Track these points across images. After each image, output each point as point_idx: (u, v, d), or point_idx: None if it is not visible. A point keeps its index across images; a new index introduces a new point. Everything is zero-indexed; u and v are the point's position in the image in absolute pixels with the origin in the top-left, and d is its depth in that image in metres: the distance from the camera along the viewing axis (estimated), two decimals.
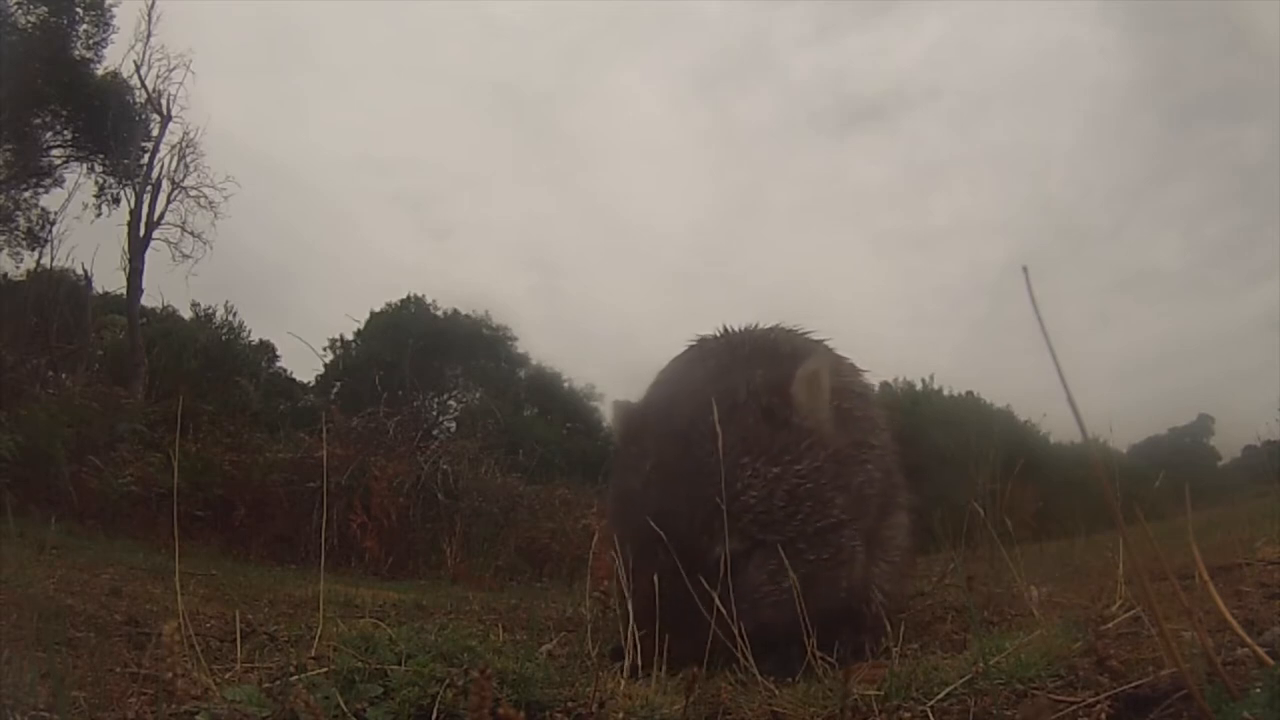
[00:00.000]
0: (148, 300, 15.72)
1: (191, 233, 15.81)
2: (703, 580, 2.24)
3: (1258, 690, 1.30)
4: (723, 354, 2.87)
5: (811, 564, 2.39)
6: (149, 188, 15.53)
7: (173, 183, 15.72)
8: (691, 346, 3.09)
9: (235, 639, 2.39)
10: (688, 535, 2.35)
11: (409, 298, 21.55)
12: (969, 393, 17.15)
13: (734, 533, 2.32)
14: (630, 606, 2.32)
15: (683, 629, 2.22)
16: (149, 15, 15.52)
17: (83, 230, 15.57)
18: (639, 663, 2.21)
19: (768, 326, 3.07)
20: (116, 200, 15.76)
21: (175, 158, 15.74)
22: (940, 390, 17.36)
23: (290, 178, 30.23)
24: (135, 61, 15.52)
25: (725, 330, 3.07)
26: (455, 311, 21.65)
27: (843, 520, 2.46)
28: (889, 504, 2.77)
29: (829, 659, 2.28)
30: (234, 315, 19.12)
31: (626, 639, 2.26)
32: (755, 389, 2.55)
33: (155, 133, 15.81)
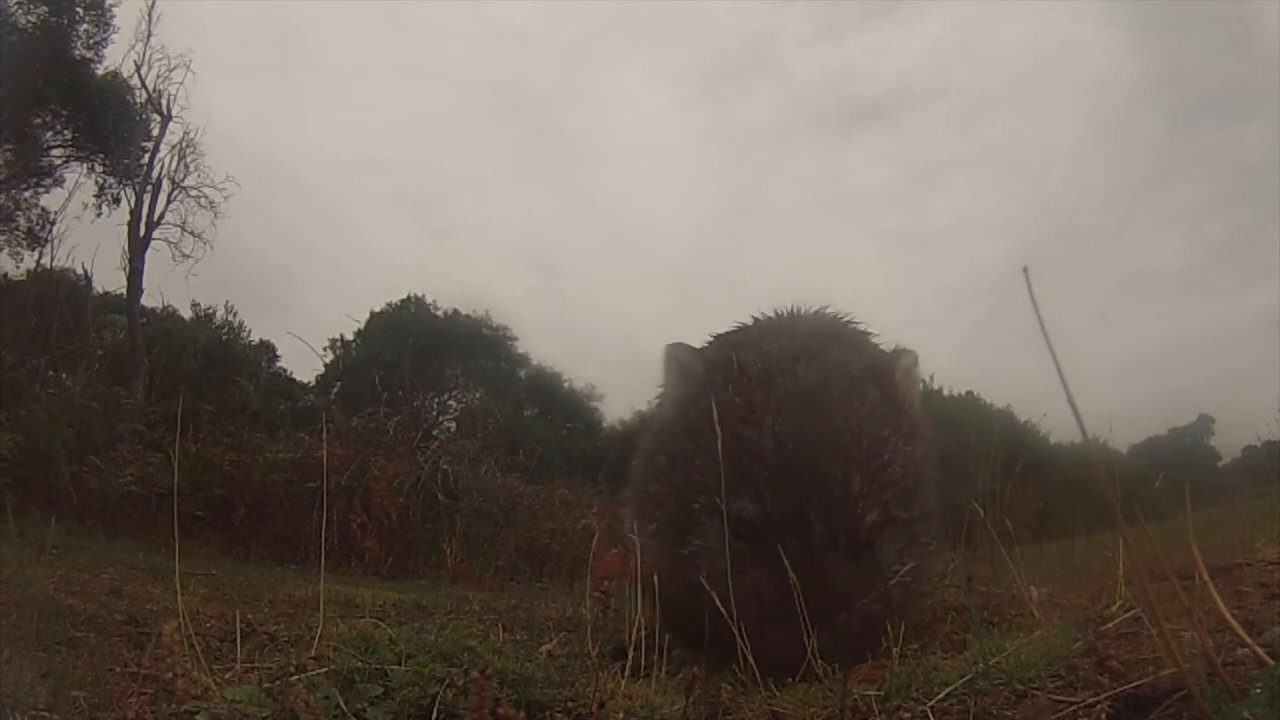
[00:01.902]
0: (148, 300, 15.73)
1: (191, 233, 15.82)
2: (841, 556, 2.17)
3: (1258, 690, 1.30)
4: (797, 327, 2.80)
5: (921, 548, 2.39)
6: (149, 188, 15.53)
7: (173, 183, 15.73)
8: (752, 321, 2.96)
9: (235, 639, 2.39)
10: (840, 501, 2.22)
11: (409, 298, 21.55)
12: (969, 393, 17.17)
13: (878, 504, 2.25)
14: (717, 585, 2.11)
15: (816, 611, 2.06)
16: (149, 15, 15.53)
17: (83, 230, 15.58)
18: (755, 666, 2.03)
19: (817, 311, 3.00)
20: (116, 200, 15.77)
21: (175, 158, 15.74)
22: (940, 390, 17.35)
23: (290, 178, 30.24)
24: (135, 61, 15.53)
25: (777, 313, 2.98)
26: (455, 311, 21.66)
27: (936, 510, 2.51)
28: None
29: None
30: (234, 315, 19.12)
31: (632, 635, 2.23)
32: (870, 366, 2.54)
33: (155, 133, 15.81)
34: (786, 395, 2.36)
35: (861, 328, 2.96)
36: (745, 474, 2.26)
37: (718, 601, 2.09)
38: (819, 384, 2.39)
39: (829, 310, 2.99)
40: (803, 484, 2.21)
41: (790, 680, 2.07)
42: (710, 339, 2.96)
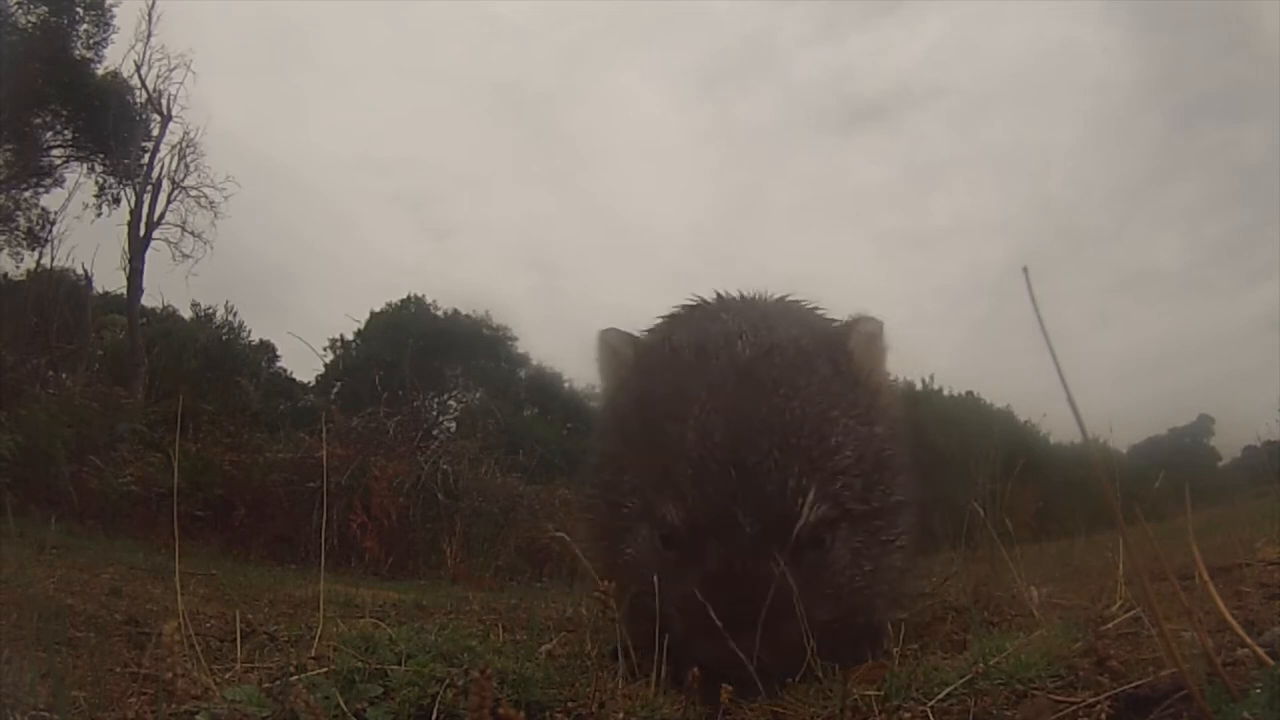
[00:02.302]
0: (148, 300, 15.74)
1: (191, 233, 15.84)
2: (784, 559, 1.89)
3: (1258, 690, 1.30)
4: (747, 307, 2.53)
5: (883, 545, 2.12)
6: (149, 188, 15.54)
7: (173, 183, 15.75)
8: (698, 303, 2.68)
9: (235, 639, 2.39)
10: (775, 498, 1.94)
11: (409, 298, 21.57)
12: (969, 393, 17.17)
13: (826, 497, 1.98)
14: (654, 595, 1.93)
15: (753, 623, 1.82)
16: (149, 15, 15.55)
17: (83, 230, 15.60)
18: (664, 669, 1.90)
19: (768, 292, 2.73)
20: (116, 200, 15.79)
21: (175, 158, 15.76)
22: (940, 390, 17.35)
23: (291, 177, 30.26)
24: (135, 61, 15.55)
25: (721, 294, 2.69)
26: (455, 311, 21.67)
27: (906, 500, 2.21)
28: None
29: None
30: (234, 315, 19.13)
31: (625, 639, 2.11)
32: (822, 338, 2.26)
33: (155, 132, 15.83)
34: (718, 377, 2.09)
35: (821, 310, 2.70)
36: (670, 472, 2.01)
37: (650, 613, 1.93)
38: (756, 361, 2.11)
39: (790, 297, 2.73)
40: (728, 480, 1.95)
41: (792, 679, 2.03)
42: (656, 320, 2.71)
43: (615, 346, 2.43)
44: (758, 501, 1.95)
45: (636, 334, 2.53)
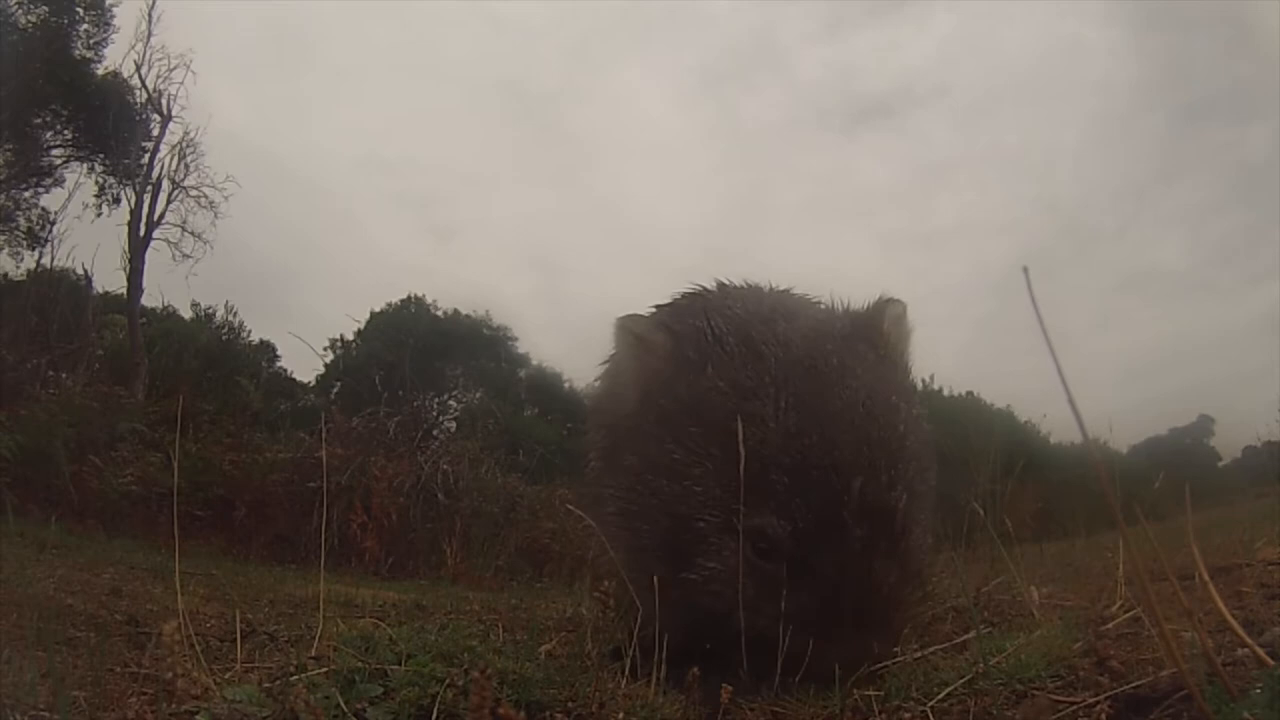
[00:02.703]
0: (148, 300, 15.74)
1: (192, 232, 15.83)
2: (888, 559, 1.93)
3: (1258, 691, 1.30)
4: (757, 293, 2.45)
5: (924, 529, 2.16)
6: (149, 187, 15.53)
7: (173, 183, 15.73)
8: (701, 290, 2.54)
9: (235, 639, 2.40)
10: (876, 497, 1.93)
11: (409, 298, 21.58)
12: (969, 393, 17.15)
13: (905, 486, 2.00)
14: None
15: (878, 623, 1.93)
16: (149, 15, 15.52)
17: (83, 230, 15.59)
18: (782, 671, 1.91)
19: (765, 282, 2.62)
20: (117, 200, 15.79)
21: (175, 157, 15.75)
22: (940, 390, 17.35)
23: (293, 177, 30.26)
24: (136, 61, 15.53)
25: (724, 282, 2.57)
26: (456, 311, 21.68)
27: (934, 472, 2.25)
28: None
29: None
30: (234, 315, 19.14)
31: (631, 639, 2.10)
32: (856, 321, 2.23)
33: (155, 132, 15.82)
34: (781, 371, 2.01)
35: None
36: (759, 480, 1.92)
37: (744, 625, 1.93)
38: (811, 349, 2.05)
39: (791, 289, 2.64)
40: (831, 486, 1.91)
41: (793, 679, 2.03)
42: (655, 309, 2.56)
43: (642, 335, 2.22)
44: (862, 504, 1.92)
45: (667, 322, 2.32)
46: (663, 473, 2.08)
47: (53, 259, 15.12)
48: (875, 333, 2.22)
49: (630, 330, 2.24)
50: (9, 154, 15.21)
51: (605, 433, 2.37)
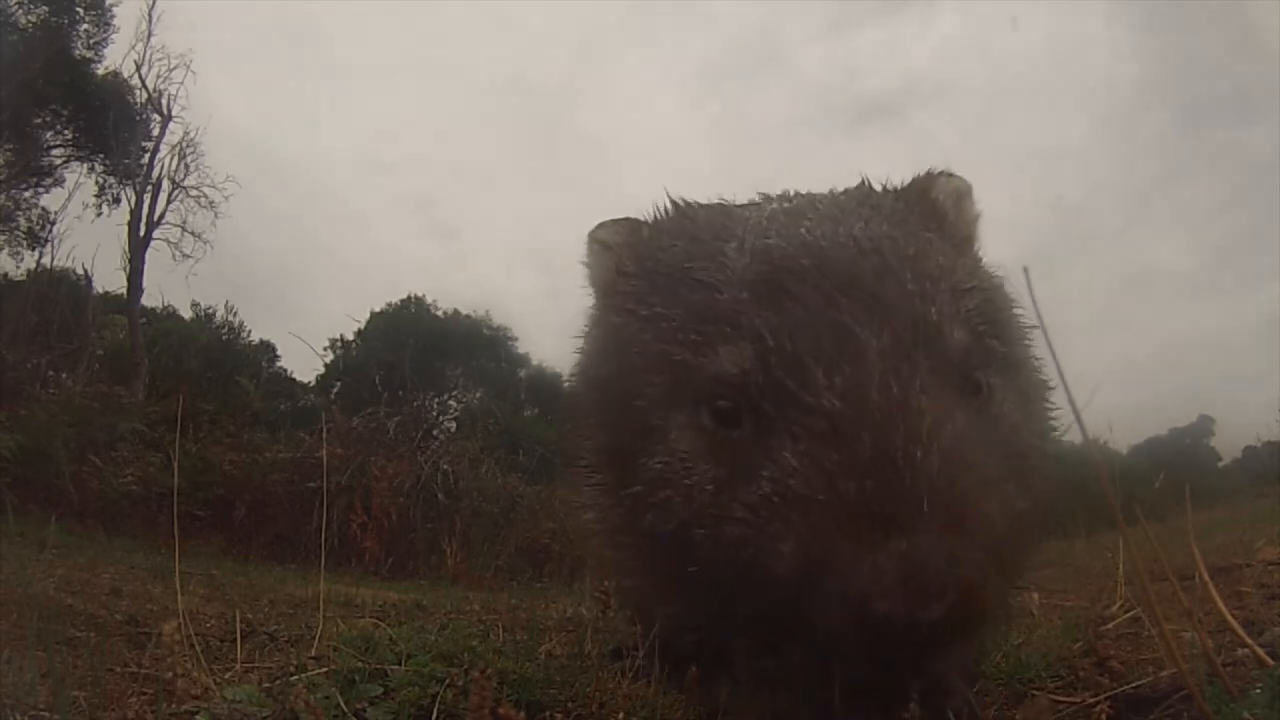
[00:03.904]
0: (148, 300, 15.77)
1: (192, 232, 15.85)
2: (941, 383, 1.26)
3: (1258, 691, 1.30)
4: (797, 195, 1.77)
5: (1039, 430, 1.60)
6: (149, 187, 15.55)
7: (173, 182, 15.76)
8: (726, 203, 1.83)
9: (235, 639, 2.40)
10: (900, 300, 1.31)
11: (409, 298, 21.58)
12: None
13: (959, 320, 1.36)
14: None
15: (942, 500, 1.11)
16: (149, 15, 15.54)
17: (83, 230, 15.61)
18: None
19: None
20: (117, 200, 15.81)
21: (175, 157, 15.77)
22: None
23: (294, 177, 30.28)
24: (136, 61, 15.56)
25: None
26: (456, 311, 21.68)
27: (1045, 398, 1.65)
28: None
29: None
30: (234, 315, 19.14)
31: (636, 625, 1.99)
32: (894, 189, 1.70)
33: (155, 132, 15.83)
34: (761, 214, 1.57)
35: None
36: (719, 318, 1.37)
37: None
38: (810, 199, 1.65)
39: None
40: (821, 288, 1.32)
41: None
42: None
43: (606, 237, 1.76)
44: (874, 305, 1.30)
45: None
46: (614, 364, 1.57)
47: (53, 259, 15.15)
48: (925, 202, 1.66)
49: (596, 238, 1.78)
50: (9, 154, 15.22)
51: (577, 378, 1.83)
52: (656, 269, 1.60)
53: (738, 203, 1.80)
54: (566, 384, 2.04)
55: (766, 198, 1.77)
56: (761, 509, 1.23)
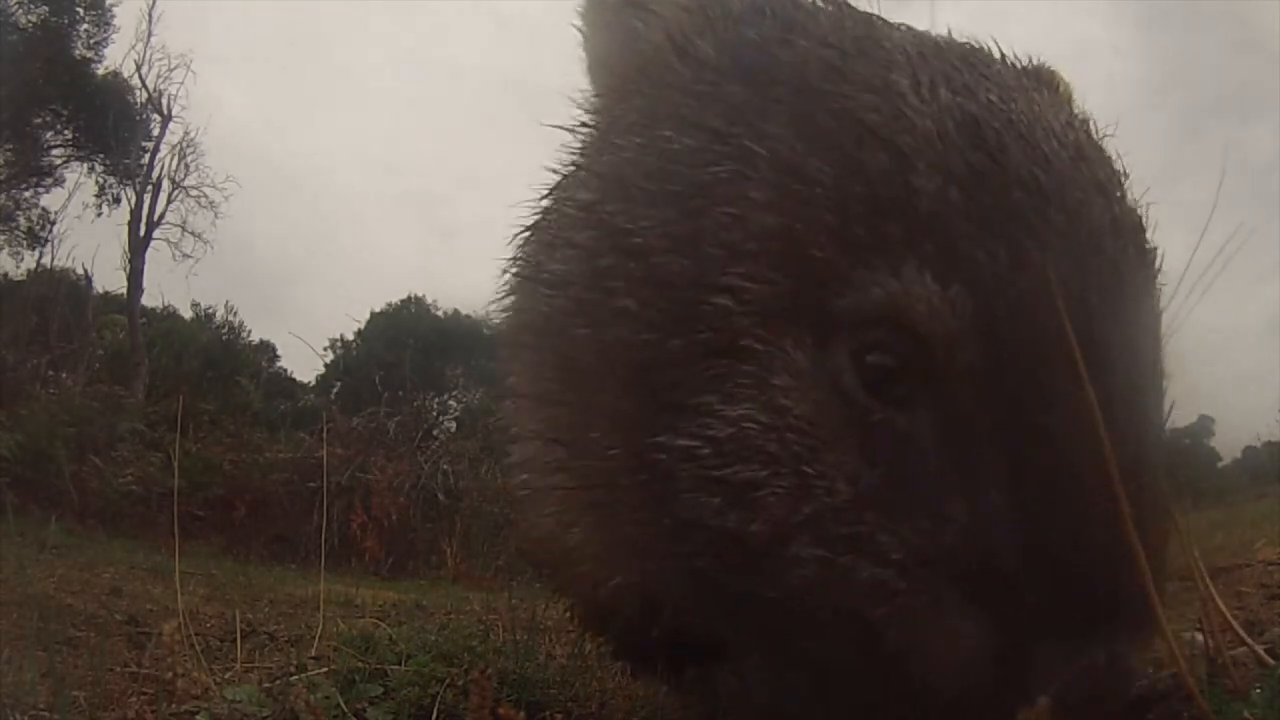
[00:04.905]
0: (148, 300, 15.77)
1: (192, 232, 15.88)
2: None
3: (1258, 690, 1.30)
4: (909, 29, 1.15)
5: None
6: (149, 187, 15.56)
7: (173, 182, 15.78)
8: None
9: (235, 639, 2.39)
10: (1119, 215, 0.93)
11: (409, 298, 21.61)
12: None
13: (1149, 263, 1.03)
14: None
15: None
16: (149, 15, 15.55)
17: (83, 230, 15.67)
18: None
19: None
20: (117, 200, 15.84)
21: (175, 157, 15.78)
22: None
23: (294, 177, 30.29)
24: (136, 61, 15.57)
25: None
26: (456, 311, 21.68)
27: None
28: None
29: None
30: (234, 315, 19.16)
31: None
32: (1044, 80, 1.13)
33: (155, 132, 15.85)
34: (924, 50, 0.99)
35: None
36: (899, 200, 0.86)
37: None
38: (978, 60, 1.03)
39: None
40: (1059, 219, 0.87)
41: None
42: None
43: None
44: (1114, 273, 0.89)
45: None
46: (668, 216, 0.94)
47: (53, 259, 15.17)
48: (1052, 87, 1.17)
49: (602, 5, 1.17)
50: (9, 154, 15.23)
51: (559, 228, 1.16)
52: (762, 69, 0.97)
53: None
54: (521, 244, 1.31)
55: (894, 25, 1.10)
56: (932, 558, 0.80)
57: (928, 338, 0.82)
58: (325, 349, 20.11)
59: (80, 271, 15.28)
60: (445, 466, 9.22)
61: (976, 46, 1.11)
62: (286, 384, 18.92)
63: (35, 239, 15.45)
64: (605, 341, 0.99)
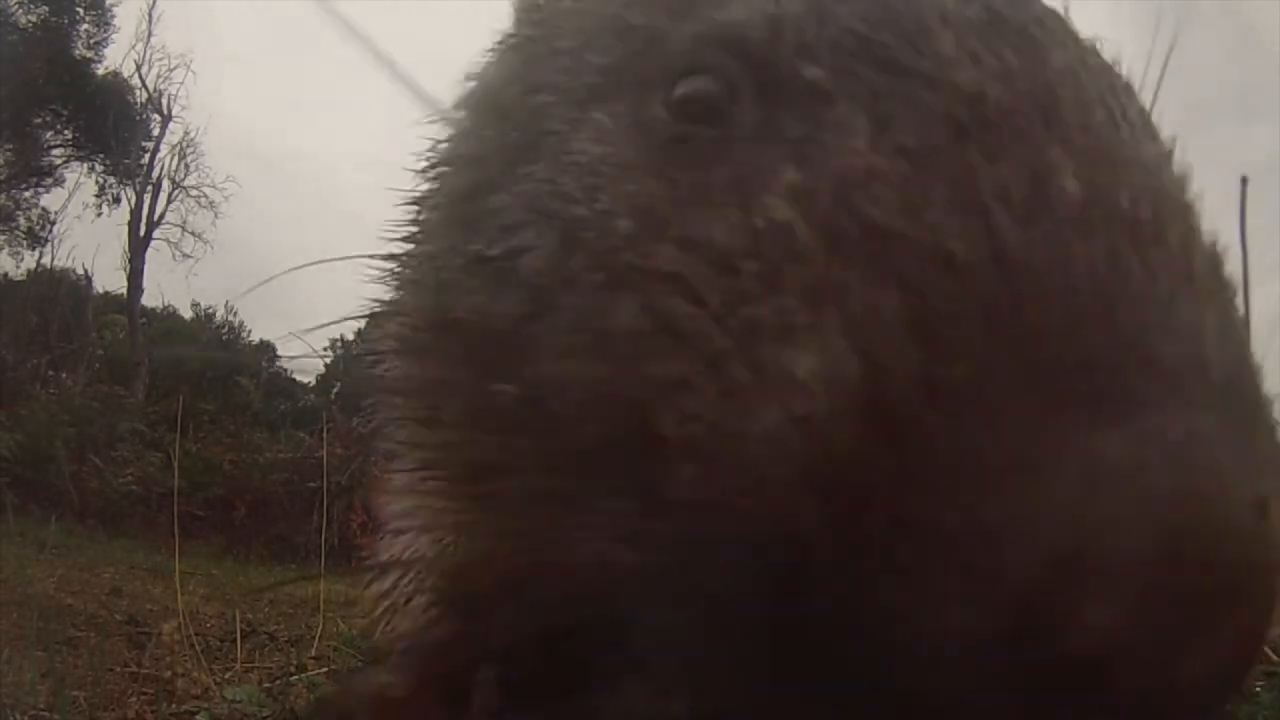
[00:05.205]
0: (148, 300, 15.77)
1: (192, 232, 15.88)
2: None
3: (1258, 690, 1.30)
4: None
5: None
6: (149, 187, 15.57)
7: (173, 182, 15.78)
8: None
9: (235, 639, 2.39)
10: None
11: None
12: None
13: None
14: None
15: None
16: (149, 15, 15.56)
17: (83, 230, 15.67)
18: None
19: None
20: (117, 200, 15.84)
21: (175, 157, 15.79)
22: None
23: (294, 177, 30.29)
24: (136, 61, 15.58)
25: None
26: None
27: None
28: None
29: None
30: (234, 315, 19.15)
31: None
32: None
33: (155, 132, 15.86)
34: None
35: None
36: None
37: None
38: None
39: None
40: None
41: None
42: None
43: None
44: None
45: None
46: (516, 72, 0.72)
47: (53, 259, 15.18)
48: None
49: None
50: (9, 154, 15.24)
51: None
52: None
53: None
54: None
55: None
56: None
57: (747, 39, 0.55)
58: (325, 349, 20.08)
59: (80, 271, 15.32)
60: None
61: None
62: (286, 384, 18.91)
63: (35, 239, 15.47)
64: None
